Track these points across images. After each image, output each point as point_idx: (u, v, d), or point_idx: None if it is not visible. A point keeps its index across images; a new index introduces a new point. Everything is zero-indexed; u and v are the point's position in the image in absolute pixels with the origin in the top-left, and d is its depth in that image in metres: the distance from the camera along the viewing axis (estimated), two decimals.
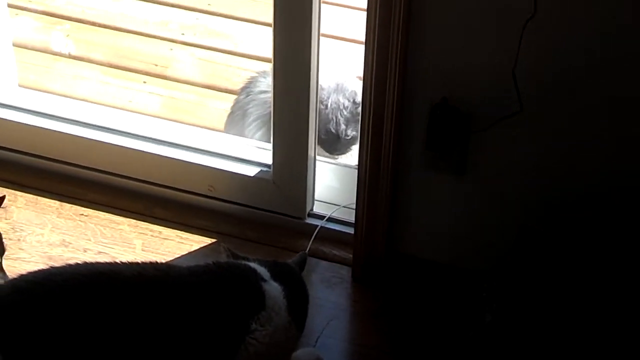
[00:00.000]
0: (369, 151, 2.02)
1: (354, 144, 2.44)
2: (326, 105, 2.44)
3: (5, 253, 2.03)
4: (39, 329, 1.67)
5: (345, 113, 2.43)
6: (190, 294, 1.74)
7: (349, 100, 2.43)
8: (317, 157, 2.23)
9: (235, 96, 2.64)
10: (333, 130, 2.43)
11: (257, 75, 2.58)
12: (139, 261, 1.81)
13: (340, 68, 2.61)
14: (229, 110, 2.59)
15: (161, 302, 1.72)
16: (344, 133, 2.43)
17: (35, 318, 1.68)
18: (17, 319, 1.68)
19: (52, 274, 1.75)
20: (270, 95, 2.18)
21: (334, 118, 2.43)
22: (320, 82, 2.40)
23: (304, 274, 1.93)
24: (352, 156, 2.44)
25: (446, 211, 2.04)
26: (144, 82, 2.89)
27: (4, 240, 2.03)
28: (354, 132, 2.43)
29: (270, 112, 2.21)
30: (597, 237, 1.91)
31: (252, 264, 1.85)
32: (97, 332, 1.68)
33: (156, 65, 2.93)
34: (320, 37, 2.08)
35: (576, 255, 1.83)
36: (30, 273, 1.77)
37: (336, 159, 2.45)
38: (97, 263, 1.84)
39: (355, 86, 2.44)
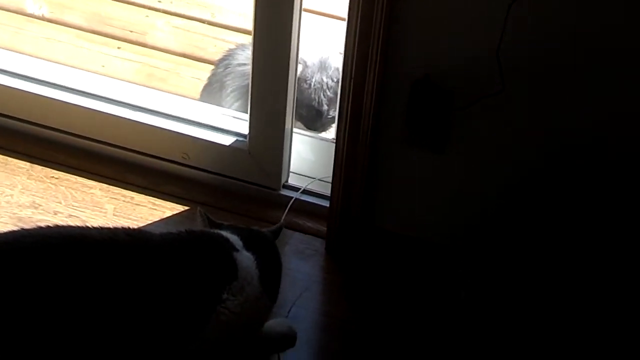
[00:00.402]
0: (348, 125, 2.02)
1: (334, 122, 2.43)
2: (309, 85, 2.43)
3: None
4: (7, 291, 1.65)
5: (328, 93, 2.42)
6: (161, 261, 1.73)
7: (332, 80, 2.43)
8: (294, 129, 2.22)
9: (211, 66, 2.63)
10: (315, 110, 2.43)
11: (235, 47, 2.56)
12: (111, 226, 1.79)
13: (323, 44, 2.60)
14: (205, 81, 2.58)
15: (131, 267, 1.70)
16: (326, 112, 2.43)
17: (2, 280, 1.65)
18: None
19: (22, 236, 1.73)
20: (249, 67, 2.17)
21: (317, 98, 2.43)
22: (304, 59, 2.40)
23: (277, 244, 1.92)
24: (330, 131, 2.44)
25: (424, 187, 2.04)
26: (118, 48, 2.86)
27: None
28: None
29: (248, 84, 2.20)
30: (575, 213, 1.93)
31: (225, 233, 1.84)
32: (66, 297, 1.66)
33: (131, 31, 2.90)
34: (302, 12, 2.07)
35: (553, 231, 1.84)
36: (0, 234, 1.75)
37: (315, 133, 2.44)
38: (68, 226, 1.82)
39: (338, 64, 2.43)
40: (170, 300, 1.70)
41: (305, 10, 2.11)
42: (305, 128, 2.44)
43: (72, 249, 1.70)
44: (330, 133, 2.43)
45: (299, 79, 2.41)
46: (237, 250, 1.79)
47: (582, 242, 1.89)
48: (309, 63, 2.43)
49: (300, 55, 2.39)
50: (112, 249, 1.71)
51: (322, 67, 2.44)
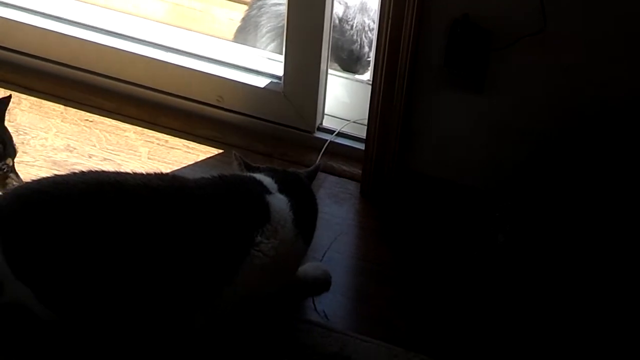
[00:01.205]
0: (385, 66, 1.98)
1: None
2: (351, 26, 2.39)
3: (17, 155, 2.00)
4: (43, 238, 1.67)
5: (369, 35, 2.38)
6: (193, 206, 1.73)
7: (374, 22, 2.38)
8: (329, 71, 2.19)
9: (244, 7, 2.59)
10: (356, 53, 2.39)
11: None
12: (144, 172, 1.79)
13: None
14: (239, 23, 2.54)
15: (165, 212, 1.70)
16: (366, 55, 2.39)
17: (39, 227, 1.67)
18: (21, 227, 1.68)
19: (56, 183, 1.73)
20: (284, 7, 2.14)
21: (359, 40, 2.39)
22: (345, 0, 2.35)
23: (312, 187, 1.91)
24: (367, 74, 2.41)
25: (461, 130, 2.01)
26: None
27: (15, 142, 2.00)
28: None
29: (283, 25, 2.17)
30: (613, 159, 1.89)
31: (259, 176, 1.83)
32: (101, 242, 1.67)
33: None
34: None
35: (592, 177, 1.81)
36: (34, 181, 1.76)
37: (351, 75, 2.41)
38: (102, 172, 1.82)
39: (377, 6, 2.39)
40: (203, 243, 1.70)
41: None
42: (343, 70, 2.41)
43: (106, 195, 1.70)
44: (367, 75, 2.39)
45: (340, 19, 2.37)
46: (271, 193, 1.78)
47: (626, 186, 1.86)
48: (350, 4, 2.39)
49: None
50: (145, 194, 1.71)
51: (363, 8, 2.40)
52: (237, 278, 1.71)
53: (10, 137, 2.00)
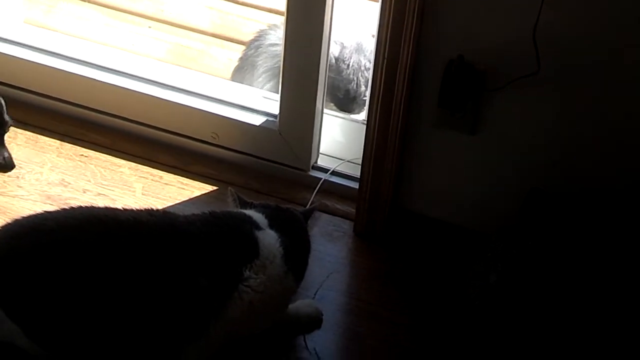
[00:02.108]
0: (379, 106, 1.99)
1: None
2: (348, 65, 2.41)
3: (8, 127, 2.00)
4: (33, 274, 1.66)
5: (365, 74, 2.40)
6: (183, 241, 1.73)
7: (369, 62, 2.40)
8: (325, 110, 2.20)
9: (242, 47, 2.61)
10: (352, 91, 2.41)
11: (266, 28, 2.54)
12: (134, 208, 1.79)
13: (360, 27, 2.57)
14: (236, 63, 2.56)
15: (155, 247, 1.70)
16: (362, 94, 2.40)
17: (28, 263, 1.66)
18: (10, 264, 1.66)
19: (45, 219, 1.73)
20: (280, 48, 2.15)
21: (355, 79, 2.41)
22: (342, 40, 2.38)
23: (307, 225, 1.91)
24: (361, 113, 2.42)
25: (455, 170, 2.02)
26: (149, 27, 2.85)
27: (5, 116, 1.99)
28: None
29: (279, 65, 2.18)
30: (606, 201, 1.90)
31: (250, 212, 1.84)
32: (90, 277, 1.66)
33: (162, 10, 2.89)
34: None
35: (584, 219, 1.81)
36: (24, 218, 1.75)
37: (346, 114, 2.42)
38: (92, 207, 1.81)
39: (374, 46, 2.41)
40: (192, 279, 1.69)
41: None
42: (339, 110, 2.42)
43: (95, 230, 1.70)
44: (362, 114, 2.40)
45: (336, 59, 2.39)
46: (261, 229, 1.79)
47: (619, 229, 1.86)
48: (346, 44, 2.41)
49: (337, 37, 2.38)
50: (135, 230, 1.71)
51: (359, 48, 2.42)
52: (226, 313, 1.70)
53: (2, 107, 1.99)
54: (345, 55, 2.40)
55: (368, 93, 2.01)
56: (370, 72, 2.30)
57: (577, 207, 1.85)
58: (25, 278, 1.65)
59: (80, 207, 1.80)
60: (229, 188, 1.92)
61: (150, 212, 1.77)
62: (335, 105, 2.42)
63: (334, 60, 2.38)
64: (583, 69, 1.84)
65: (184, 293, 1.68)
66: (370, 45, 2.41)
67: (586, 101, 1.87)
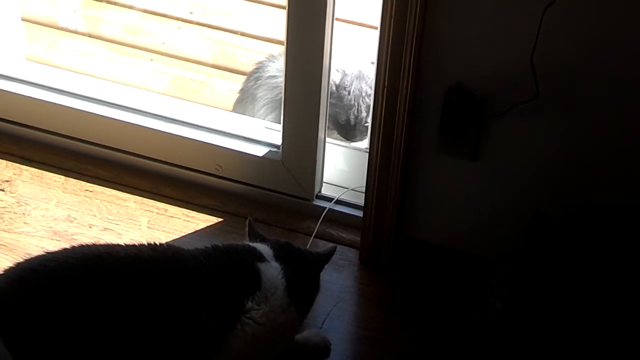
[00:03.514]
0: (381, 134, 2.01)
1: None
2: (349, 92, 2.42)
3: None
4: (38, 316, 1.67)
5: (367, 100, 2.41)
6: (183, 275, 1.74)
7: (371, 88, 2.42)
8: (327, 139, 2.22)
9: (243, 77, 2.62)
10: (353, 117, 2.42)
11: (265, 59, 2.55)
12: (136, 243, 1.80)
13: (361, 55, 2.59)
14: (237, 95, 2.58)
15: (155, 284, 1.71)
16: (363, 120, 2.42)
17: (33, 305, 1.67)
18: (15, 308, 1.67)
19: (46, 260, 1.74)
20: (280, 79, 2.17)
21: (356, 105, 2.42)
22: (343, 68, 2.39)
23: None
24: (364, 141, 2.43)
25: (458, 197, 2.03)
26: (151, 60, 2.87)
27: None
28: None
29: (280, 97, 2.19)
30: (610, 225, 1.90)
31: (256, 245, 1.85)
32: (94, 315, 1.67)
33: (163, 43, 2.92)
34: (335, 21, 2.07)
35: (589, 243, 1.82)
36: (26, 260, 1.76)
37: (349, 143, 2.43)
38: (93, 245, 1.83)
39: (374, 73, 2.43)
40: (192, 313, 1.70)
41: (340, 20, 2.10)
42: (341, 137, 2.44)
43: (97, 268, 1.71)
44: (364, 143, 2.42)
45: (337, 86, 2.40)
46: (264, 261, 1.79)
47: (622, 253, 1.86)
48: (347, 72, 2.43)
49: (338, 65, 2.40)
50: (137, 266, 1.72)
51: (361, 76, 2.44)
52: (228, 346, 1.71)
53: None
54: (346, 83, 2.41)
55: (369, 121, 2.03)
56: (372, 98, 2.33)
57: (581, 231, 1.86)
58: (30, 320, 1.67)
59: (81, 245, 1.81)
60: (249, 218, 1.93)
61: (152, 247, 1.78)
62: (337, 132, 2.43)
63: (334, 88, 2.39)
64: (582, 92, 1.85)
65: (184, 328, 1.69)
66: (371, 73, 2.43)
67: (586, 125, 1.88)
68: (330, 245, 2.01)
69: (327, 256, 1.91)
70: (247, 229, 1.90)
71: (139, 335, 1.67)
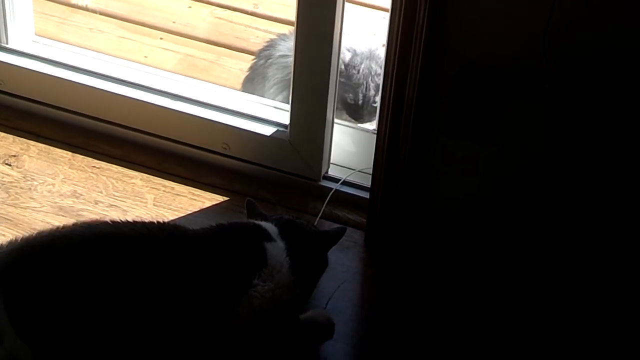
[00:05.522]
0: (389, 115, 1.99)
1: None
2: (358, 70, 2.41)
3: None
4: (46, 294, 1.68)
5: (376, 79, 2.40)
6: (192, 252, 1.76)
7: (380, 68, 2.40)
8: (335, 120, 2.21)
9: (252, 57, 2.61)
10: (361, 96, 2.41)
11: (276, 38, 2.54)
12: (144, 221, 1.82)
13: (372, 36, 2.57)
14: (246, 73, 2.56)
15: (163, 260, 1.73)
16: (372, 100, 2.40)
17: (40, 283, 1.68)
18: (23, 284, 1.69)
19: (54, 237, 1.76)
20: (291, 59, 2.16)
21: (365, 83, 2.41)
22: (354, 47, 2.38)
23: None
24: (372, 122, 2.42)
25: (465, 179, 2.01)
26: (161, 39, 2.86)
27: None
28: None
29: (290, 77, 2.18)
30: (624, 212, 1.89)
31: (262, 223, 1.86)
32: (101, 294, 1.69)
33: (174, 22, 2.91)
34: (348, 3, 2.06)
35: (600, 224, 1.81)
36: (33, 237, 1.77)
37: (357, 124, 2.42)
38: (100, 223, 1.84)
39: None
40: (201, 285, 1.73)
41: (352, 1, 2.09)
42: (349, 118, 2.42)
43: (105, 246, 1.73)
44: (372, 124, 2.40)
45: (347, 65, 2.39)
46: (270, 240, 1.81)
47: (634, 243, 1.86)
48: (358, 51, 2.41)
49: (349, 44, 2.38)
50: (144, 244, 1.74)
51: (371, 55, 2.43)
52: (237, 315, 1.73)
53: None
54: (356, 62, 2.40)
55: (378, 101, 2.02)
56: (381, 78, 2.31)
57: (591, 215, 1.85)
58: (38, 298, 1.68)
59: (89, 223, 1.82)
60: (247, 199, 1.94)
61: (159, 226, 1.80)
62: (346, 112, 2.42)
63: (343, 67, 2.38)
64: (593, 79, 1.83)
65: (195, 303, 1.71)
66: (382, 53, 2.41)
67: (597, 109, 1.86)
68: (339, 226, 2.00)
69: (334, 237, 1.92)
70: (245, 210, 1.91)
71: (149, 311, 1.69)
